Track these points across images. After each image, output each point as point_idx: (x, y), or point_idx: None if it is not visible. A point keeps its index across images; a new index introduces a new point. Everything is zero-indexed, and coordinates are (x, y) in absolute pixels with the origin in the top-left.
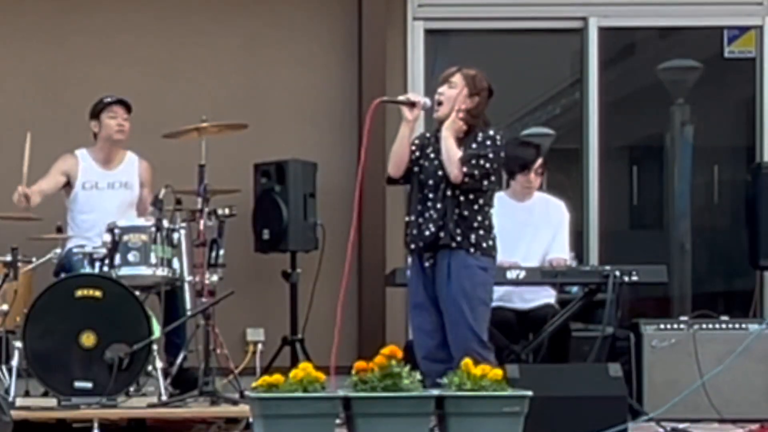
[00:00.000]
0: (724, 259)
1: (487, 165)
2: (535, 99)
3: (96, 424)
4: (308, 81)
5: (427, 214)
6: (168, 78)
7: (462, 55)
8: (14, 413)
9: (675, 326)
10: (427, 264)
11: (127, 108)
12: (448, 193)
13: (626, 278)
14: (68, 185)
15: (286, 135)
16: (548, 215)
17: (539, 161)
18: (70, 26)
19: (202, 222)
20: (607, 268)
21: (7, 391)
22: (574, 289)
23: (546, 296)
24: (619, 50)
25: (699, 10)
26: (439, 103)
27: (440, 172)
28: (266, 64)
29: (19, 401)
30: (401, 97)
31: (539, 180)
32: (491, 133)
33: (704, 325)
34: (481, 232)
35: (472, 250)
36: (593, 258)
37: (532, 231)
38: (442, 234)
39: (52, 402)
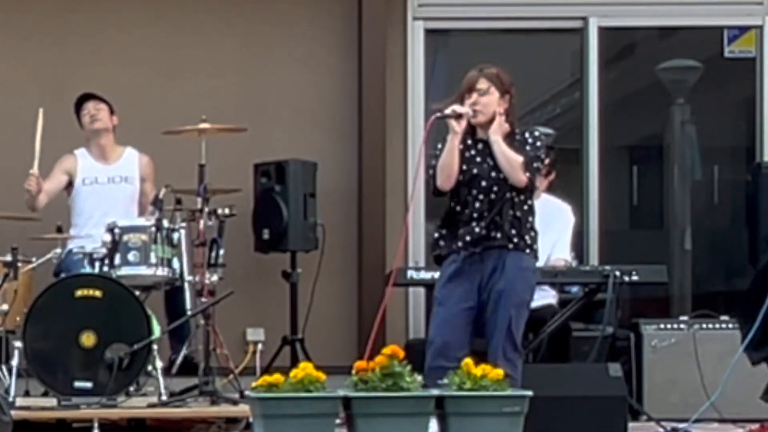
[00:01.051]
0: (724, 259)
1: (540, 166)
2: (535, 99)
3: (96, 424)
4: (308, 81)
5: (476, 214)
6: (168, 78)
7: (462, 55)
8: (14, 413)
9: (675, 326)
10: (474, 263)
11: (96, 98)
12: (507, 195)
13: (626, 278)
14: (70, 185)
15: (286, 135)
16: (553, 218)
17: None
18: (70, 26)
19: (202, 222)
20: (607, 268)
21: (7, 391)
22: (574, 289)
23: (546, 296)
24: (619, 50)
25: (699, 10)
26: (476, 112)
27: (494, 173)
28: (266, 64)
29: (19, 401)
30: (448, 111)
31: (545, 182)
32: (536, 133)
33: (704, 325)
34: (533, 233)
35: (527, 251)
36: (593, 258)
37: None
38: (498, 234)
39: (52, 402)
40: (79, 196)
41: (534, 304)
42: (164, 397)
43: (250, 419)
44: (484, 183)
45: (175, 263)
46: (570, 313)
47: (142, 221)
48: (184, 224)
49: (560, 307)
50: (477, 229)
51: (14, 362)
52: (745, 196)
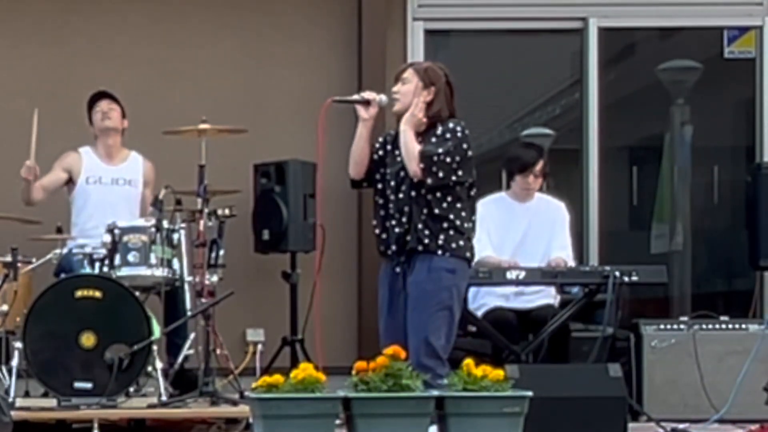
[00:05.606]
0: (724, 259)
1: (448, 159)
2: (535, 99)
3: (96, 425)
4: (308, 81)
5: (394, 219)
6: (168, 78)
7: (462, 55)
8: (14, 414)
9: (675, 326)
10: (398, 269)
11: (111, 98)
12: (413, 193)
13: (626, 278)
14: (70, 182)
15: (285, 135)
16: (548, 216)
17: (540, 164)
18: (70, 27)
19: (202, 222)
20: (607, 268)
21: (7, 392)
22: (575, 289)
23: (546, 296)
24: (619, 50)
25: (699, 10)
26: (395, 100)
27: (402, 172)
28: (266, 65)
29: (19, 401)
30: (355, 96)
31: (539, 182)
32: (451, 125)
33: (704, 325)
34: (451, 232)
35: (440, 252)
36: (593, 258)
37: (533, 232)
38: (408, 237)
39: (52, 402)
40: (81, 195)
41: (534, 305)
42: (164, 398)
43: (250, 420)
44: (393, 182)
45: (175, 264)
46: (570, 314)
47: (142, 222)
48: (184, 225)
49: (560, 307)
50: (392, 235)
51: (14, 363)
52: (745, 196)
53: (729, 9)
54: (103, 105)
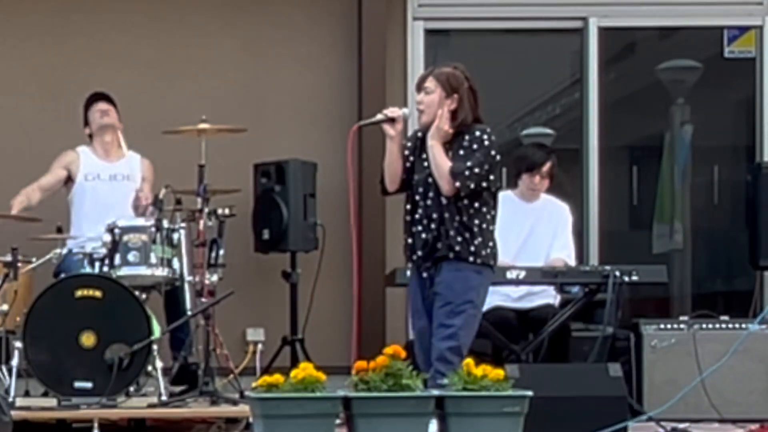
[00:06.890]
0: (724, 259)
1: (477, 170)
2: (535, 99)
3: (96, 424)
4: (308, 81)
5: (421, 225)
6: (168, 78)
7: (462, 55)
8: (14, 413)
9: (675, 326)
10: (425, 274)
11: (108, 100)
12: (443, 200)
13: (626, 278)
14: (69, 180)
15: (286, 135)
16: (552, 216)
17: (548, 165)
18: (70, 27)
19: (202, 222)
20: (607, 268)
21: (7, 391)
22: (575, 289)
23: (546, 296)
24: (619, 50)
25: (699, 10)
26: (420, 112)
27: (430, 179)
28: (266, 64)
29: (19, 401)
30: (379, 116)
31: (545, 183)
32: (477, 133)
33: (704, 325)
34: (480, 238)
35: (471, 258)
36: (593, 258)
37: (537, 232)
38: (439, 245)
39: (52, 402)
40: (80, 193)
41: (534, 304)
42: (164, 398)
43: (250, 419)
44: (421, 188)
45: (175, 263)
46: (570, 314)
47: (142, 221)
48: (184, 224)
49: (560, 307)
50: (420, 241)
51: (14, 362)
52: (745, 196)
53: (729, 9)
54: (102, 105)
